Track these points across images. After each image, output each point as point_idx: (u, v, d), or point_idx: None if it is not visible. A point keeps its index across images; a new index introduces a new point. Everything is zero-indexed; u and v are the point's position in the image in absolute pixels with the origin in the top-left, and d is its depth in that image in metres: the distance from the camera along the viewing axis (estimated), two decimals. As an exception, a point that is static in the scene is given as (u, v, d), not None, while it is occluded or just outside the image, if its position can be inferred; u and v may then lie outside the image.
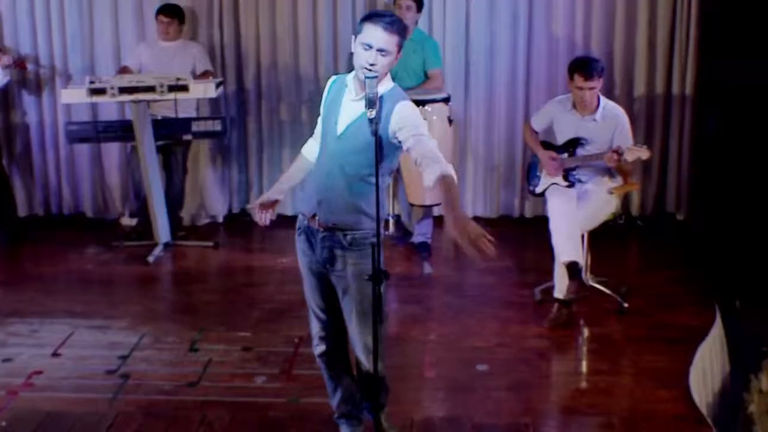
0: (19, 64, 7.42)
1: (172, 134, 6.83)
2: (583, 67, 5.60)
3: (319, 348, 4.08)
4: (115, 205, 7.98)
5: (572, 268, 5.40)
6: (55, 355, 5.13)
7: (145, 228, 7.23)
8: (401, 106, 3.83)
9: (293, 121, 7.79)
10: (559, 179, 5.79)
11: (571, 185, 5.75)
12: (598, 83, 5.62)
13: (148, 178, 6.75)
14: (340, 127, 3.84)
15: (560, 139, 5.87)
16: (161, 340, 5.34)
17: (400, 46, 3.72)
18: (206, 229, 7.87)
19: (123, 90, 6.36)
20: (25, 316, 5.73)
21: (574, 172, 5.78)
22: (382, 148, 3.76)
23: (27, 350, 5.20)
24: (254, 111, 7.80)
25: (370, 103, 3.52)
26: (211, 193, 7.93)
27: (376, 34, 3.68)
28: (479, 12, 7.51)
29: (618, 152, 5.42)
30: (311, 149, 4.10)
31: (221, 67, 7.65)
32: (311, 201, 3.88)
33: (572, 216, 5.52)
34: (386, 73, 3.78)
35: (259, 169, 7.90)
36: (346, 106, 3.86)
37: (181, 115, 6.83)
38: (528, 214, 7.88)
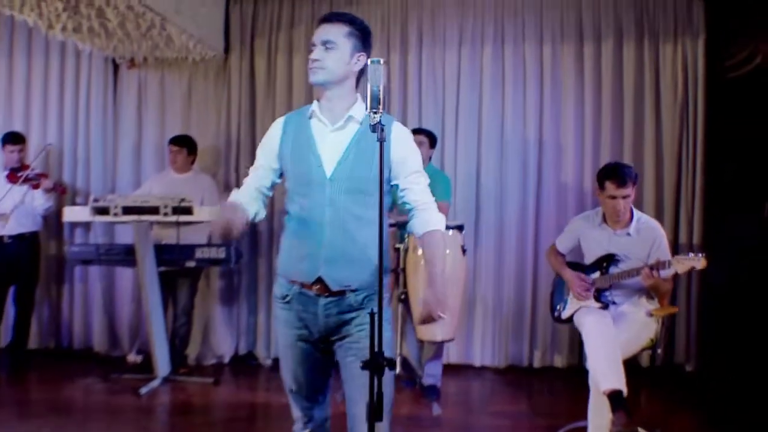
0: (59, 188, 6.11)
1: (175, 260, 5.35)
2: (614, 173, 4.16)
3: None
4: (124, 342, 6.44)
5: (615, 397, 3.71)
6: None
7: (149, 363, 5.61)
8: (399, 129, 2.63)
9: (304, 263, 6.41)
10: (591, 301, 4.26)
11: (605, 307, 4.17)
12: (632, 191, 4.16)
13: (148, 304, 5.27)
14: (328, 167, 2.55)
15: (590, 257, 4.34)
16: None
17: (354, 43, 2.58)
18: (211, 368, 6.17)
19: (127, 210, 5.03)
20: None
21: (607, 293, 4.22)
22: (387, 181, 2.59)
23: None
24: (266, 252, 6.35)
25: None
26: (218, 333, 6.36)
27: (318, 30, 2.58)
28: (489, 158, 6.17)
29: (655, 267, 3.95)
30: (243, 200, 2.72)
31: (236, 207, 6.32)
32: (308, 265, 2.60)
33: (612, 337, 3.90)
34: (344, 80, 2.61)
35: (268, 312, 6.32)
36: (324, 142, 2.59)
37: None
38: (536, 364, 6.19)
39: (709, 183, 6.08)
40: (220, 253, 5.29)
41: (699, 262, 3.90)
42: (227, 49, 6.33)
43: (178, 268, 5.47)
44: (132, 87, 6.44)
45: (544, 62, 6.20)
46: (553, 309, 4.53)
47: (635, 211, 4.27)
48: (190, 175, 5.97)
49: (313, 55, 2.57)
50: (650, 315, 4.15)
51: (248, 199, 2.72)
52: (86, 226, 6.34)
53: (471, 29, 6.26)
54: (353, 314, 2.59)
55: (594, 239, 4.33)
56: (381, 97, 2.18)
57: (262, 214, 2.82)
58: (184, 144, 5.96)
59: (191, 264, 5.36)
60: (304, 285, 2.62)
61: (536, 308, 6.14)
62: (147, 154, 6.44)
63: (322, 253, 2.56)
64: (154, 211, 5.00)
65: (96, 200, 5.05)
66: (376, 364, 2.12)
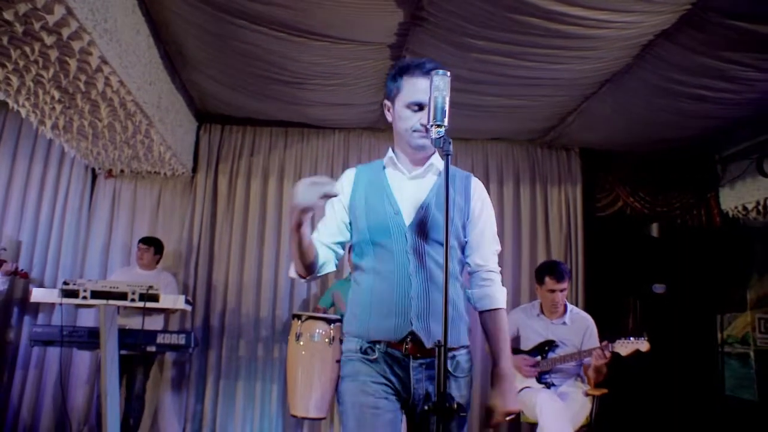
0: (21, 273, 5.08)
1: (137, 344, 4.35)
2: (553, 269, 3.75)
3: None
4: (72, 427, 5.18)
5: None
6: None
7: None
8: (478, 184, 2.00)
9: (249, 358, 5.52)
10: (533, 382, 3.70)
11: (547, 387, 3.64)
12: (567, 285, 3.76)
13: (106, 386, 4.28)
14: (407, 216, 1.92)
15: (529, 344, 3.83)
16: None
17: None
18: (157, 453, 5.13)
19: (95, 294, 4.15)
20: None
21: (547, 375, 3.70)
22: (465, 229, 1.91)
23: None
24: (216, 346, 5.47)
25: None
26: (166, 418, 5.29)
27: (422, 85, 1.84)
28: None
29: (607, 348, 3.47)
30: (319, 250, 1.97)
31: (193, 303, 5.43)
32: (397, 320, 1.83)
33: (564, 413, 3.35)
34: None
35: (215, 400, 5.39)
36: (401, 190, 1.89)
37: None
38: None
39: (588, 298, 5.79)
40: (181, 339, 4.42)
41: (643, 345, 3.46)
42: (195, 169, 5.69)
43: (138, 352, 4.52)
44: (107, 195, 5.62)
45: (458, 197, 5.93)
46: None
47: (568, 303, 3.85)
48: (154, 272, 5.15)
49: (423, 120, 1.87)
50: (586, 395, 3.63)
51: (319, 247, 1.98)
52: (35, 312, 5.30)
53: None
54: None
55: (533, 328, 3.85)
56: (447, 109, 1.65)
57: (331, 266, 2.03)
58: (152, 244, 5.20)
59: (152, 348, 4.39)
60: (390, 344, 1.83)
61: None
62: (115, 254, 5.53)
63: (412, 306, 1.83)
64: (122, 296, 4.15)
65: (65, 283, 4.18)
66: (444, 408, 1.39)
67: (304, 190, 1.73)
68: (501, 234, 5.78)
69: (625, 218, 6.05)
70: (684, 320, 5.71)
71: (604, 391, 3.72)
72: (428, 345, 1.82)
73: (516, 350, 3.93)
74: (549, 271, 3.83)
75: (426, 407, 1.48)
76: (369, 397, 1.80)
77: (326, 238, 2.03)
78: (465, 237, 2.01)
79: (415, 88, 1.89)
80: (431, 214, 1.92)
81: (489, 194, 6.34)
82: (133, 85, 3.69)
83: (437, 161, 2.02)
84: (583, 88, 4.69)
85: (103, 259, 5.52)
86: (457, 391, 1.85)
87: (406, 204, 1.95)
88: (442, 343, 1.46)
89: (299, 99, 4.93)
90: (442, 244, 1.84)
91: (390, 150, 2.08)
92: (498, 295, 2.00)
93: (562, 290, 3.78)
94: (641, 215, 6.06)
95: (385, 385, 1.83)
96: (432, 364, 1.81)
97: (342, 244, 2.07)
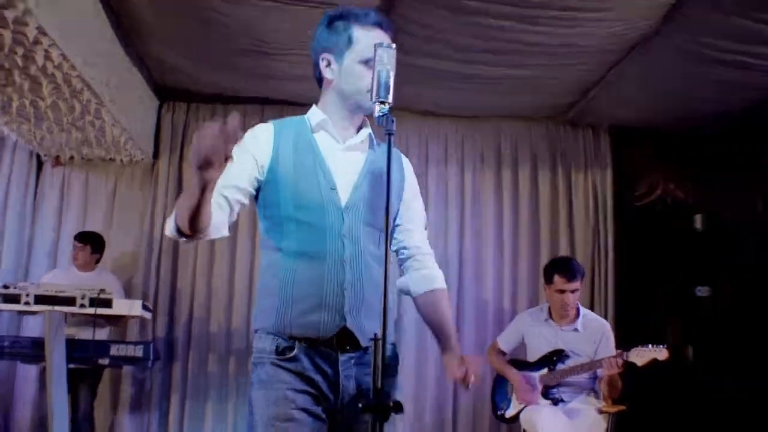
0: None
1: (87, 357, 4.53)
2: (563, 267, 3.90)
3: None
4: None
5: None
6: None
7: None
8: (407, 160, 2.15)
9: (221, 374, 5.74)
10: (539, 398, 3.85)
11: (554, 403, 3.80)
12: (580, 285, 3.91)
13: (51, 404, 4.49)
14: (343, 194, 1.92)
15: (535, 354, 3.99)
16: None
17: None
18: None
19: (39, 299, 4.39)
20: None
21: (555, 390, 3.86)
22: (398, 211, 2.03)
23: None
24: (182, 359, 5.68)
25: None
26: (125, 442, 5.57)
27: (381, 36, 1.96)
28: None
29: (619, 356, 3.63)
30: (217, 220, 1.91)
31: (153, 311, 5.63)
32: (327, 315, 1.90)
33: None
34: None
35: (180, 422, 5.59)
36: (335, 161, 1.95)
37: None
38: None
39: (619, 303, 5.96)
40: (138, 351, 4.62)
41: (661, 353, 3.61)
42: (156, 155, 5.88)
43: (90, 366, 4.74)
44: (55, 185, 5.84)
45: (466, 185, 6.09)
46: (496, 408, 4.10)
47: (581, 307, 4.00)
48: (94, 273, 5.30)
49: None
50: (600, 412, 3.79)
51: (217, 197, 1.89)
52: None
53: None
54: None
55: (540, 335, 4.02)
56: (391, 85, 1.75)
57: (225, 231, 1.97)
58: (88, 241, 5.32)
59: (104, 362, 4.58)
60: (314, 341, 1.90)
61: (456, 422, 5.67)
62: (63, 253, 5.71)
63: (345, 299, 1.91)
64: (70, 301, 4.38)
65: (5, 287, 4.40)
66: (379, 405, 1.52)
67: (214, 142, 1.62)
68: (515, 228, 5.99)
69: (664, 209, 6.18)
70: (738, 331, 5.80)
71: (622, 407, 3.85)
72: (363, 343, 1.92)
73: (520, 362, 4.09)
74: (558, 268, 3.96)
75: (360, 405, 1.57)
76: (283, 408, 1.85)
77: (231, 191, 1.95)
78: (398, 220, 2.13)
79: (372, 41, 1.88)
80: (368, 193, 1.98)
81: (501, 180, 6.44)
82: (77, 60, 3.89)
83: (371, 132, 2.08)
84: (606, 54, 4.83)
85: (50, 259, 5.75)
86: (389, 384, 1.89)
87: (340, 179, 1.98)
88: (380, 337, 1.61)
89: (275, 72, 5.12)
90: (376, 228, 1.99)
91: (317, 110, 2.08)
92: (436, 274, 2.17)
93: (573, 291, 3.91)
94: (684, 205, 6.19)
95: (305, 392, 1.88)
96: (362, 358, 1.93)
97: (241, 206, 2.01)
